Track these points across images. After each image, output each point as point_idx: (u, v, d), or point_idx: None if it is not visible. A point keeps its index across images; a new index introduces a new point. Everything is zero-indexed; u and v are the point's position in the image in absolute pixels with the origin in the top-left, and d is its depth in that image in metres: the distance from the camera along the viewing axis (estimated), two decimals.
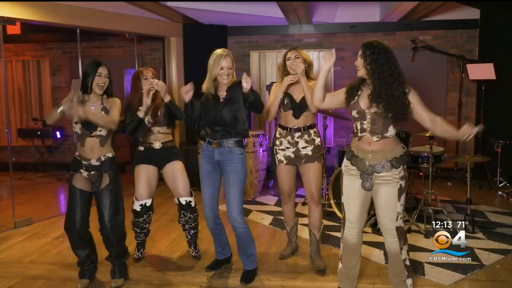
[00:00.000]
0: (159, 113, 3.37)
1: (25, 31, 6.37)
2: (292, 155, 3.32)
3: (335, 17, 6.63)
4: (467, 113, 6.65)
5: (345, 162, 2.74)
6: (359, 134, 2.64)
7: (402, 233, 2.66)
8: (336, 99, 2.77)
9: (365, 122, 2.60)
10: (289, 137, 3.32)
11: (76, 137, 3.02)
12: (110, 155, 3.05)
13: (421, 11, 5.87)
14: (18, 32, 6.18)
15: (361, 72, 2.62)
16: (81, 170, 2.99)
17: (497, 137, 5.50)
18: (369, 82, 2.61)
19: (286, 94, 3.29)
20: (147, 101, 3.18)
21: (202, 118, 3.12)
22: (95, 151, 2.99)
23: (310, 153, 3.28)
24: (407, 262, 2.70)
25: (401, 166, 2.60)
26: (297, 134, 3.30)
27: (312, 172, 3.29)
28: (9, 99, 7.38)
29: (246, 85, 2.90)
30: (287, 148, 3.32)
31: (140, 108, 3.22)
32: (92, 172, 2.99)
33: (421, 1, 5.13)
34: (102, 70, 2.95)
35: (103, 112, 3.00)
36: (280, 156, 3.35)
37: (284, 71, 3.32)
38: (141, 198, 3.40)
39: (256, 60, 6.98)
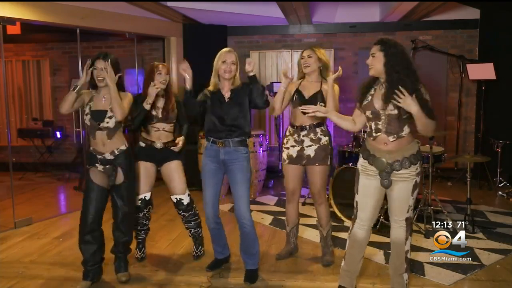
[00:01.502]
0: (170, 110, 3.38)
1: (25, 31, 6.38)
2: (295, 154, 3.32)
3: (335, 17, 6.63)
4: (467, 113, 6.65)
5: (362, 161, 2.72)
6: (374, 134, 2.63)
7: (410, 224, 2.71)
8: (363, 116, 2.75)
9: (380, 122, 2.59)
10: (295, 135, 3.34)
11: (87, 129, 3.07)
12: (123, 147, 3.04)
13: (421, 11, 5.88)
14: (18, 32, 6.18)
15: (375, 71, 2.59)
16: (97, 164, 3.00)
17: (497, 137, 5.50)
18: (382, 81, 2.59)
19: (296, 91, 3.31)
20: (152, 91, 3.21)
21: (206, 117, 3.13)
22: (106, 144, 2.99)
23: (312, 153, 3.28)
24: (408, 255, 2.75)
25: (419, 162, 2.62)
26: (303, 133, 3.31)
27: (314, 175, 3.31)
28: (9, 99, 7.38)
29: (249, 67, 2.96)
30: (292, 146, 3.34)
31: (147, 100, 3.24)
32: (107, 166, 3.00)
33: (421, 1, 5.13)
34: (98, 64, 2.95)
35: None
36: (284, 154, 3.39)
37: (300, 69, 3.38)
38: (141, 192, 3.43)
39: (256, 60, 6.97)
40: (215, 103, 3.10)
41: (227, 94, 3.10)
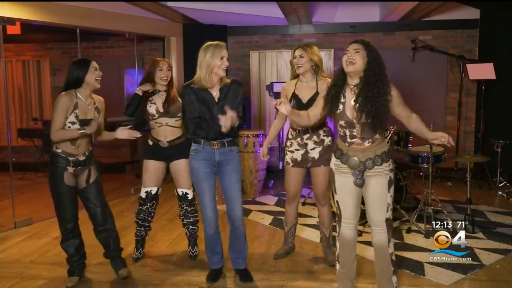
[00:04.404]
0: (172, 105, 3.38)
1: (25, 31, 6.36)
2: (300, 158, 3.31)
3: (335, 17, 6.64)
4: (467, 113, 6.65)
5: (334, 161, 2.73)
6: (349, 140, 2.65)
7: (390, 225, 2.70)
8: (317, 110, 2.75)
9: (354, 130, 2.62)
10: (298, 139, 3.31)
11: None
12: (90, 148, 3.14)
13: (421, 11, 5.88)
14: (18, 32, 6.17)
15: (356, 68, 2.54)
16: (68, 167, 3.00)
17: (497, 137, 5.50)
18: (352, 85, 2.59)
19: (293, 95, 3.29)
20: (145, 86, 3.37)
21: (189, 116, 2.98)
22: (81, 147, 3.03)
23: (317, 156, 3.27)
24: (393, 257, 2.73)
25: (390, 159, 2.66)
26: (305, 136, 3.29)
27: (318, 176, 3.30)
28: (9, 99, 7.38)
29: (225, 124, 2.76)
30: (296, 150, 3.32)
31: (140, 88, 3.36)
32: (79, 167, 3.04)
33: (421, 1, 5.13)
34: (96, 64, 3.01)
35: (95, 112, 3.07)
36: (287, 158, 3.37)
37: (292, 67, 3.36)
38: (147, 185, 3.44)
39: (256, 60, 6.98)
40: (203, 103, 2.91)
41: (215, 94, 2.94)
